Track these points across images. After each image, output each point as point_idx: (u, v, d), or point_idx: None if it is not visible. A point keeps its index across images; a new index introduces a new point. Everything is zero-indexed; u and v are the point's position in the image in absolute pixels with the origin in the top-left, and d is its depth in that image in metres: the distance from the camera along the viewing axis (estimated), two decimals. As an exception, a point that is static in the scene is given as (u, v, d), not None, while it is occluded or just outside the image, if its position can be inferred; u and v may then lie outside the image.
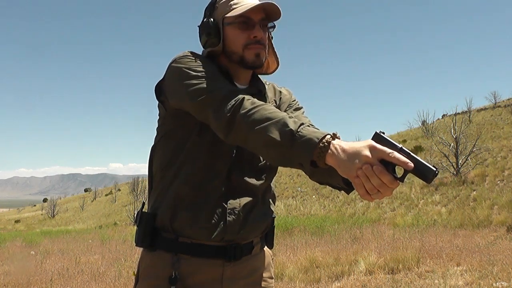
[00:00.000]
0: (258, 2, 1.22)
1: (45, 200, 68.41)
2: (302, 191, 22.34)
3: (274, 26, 1.28)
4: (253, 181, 1.25)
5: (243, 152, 1.21)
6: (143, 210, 1.26)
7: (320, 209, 17.95)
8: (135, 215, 1.28)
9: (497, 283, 4.45)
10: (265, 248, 1.37)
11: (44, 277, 5.78)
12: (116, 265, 6.85)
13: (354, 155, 0.88)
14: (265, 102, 1.28)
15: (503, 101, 37.28)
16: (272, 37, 1.31)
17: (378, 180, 0.86)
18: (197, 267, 1.20)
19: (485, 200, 12.32)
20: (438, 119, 36.57)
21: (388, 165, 0.87)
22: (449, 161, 16.73)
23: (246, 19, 1.21)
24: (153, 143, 1.32)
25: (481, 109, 36.03)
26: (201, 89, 1.11)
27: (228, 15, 1.22)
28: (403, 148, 0.88)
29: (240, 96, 1.06)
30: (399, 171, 0.88)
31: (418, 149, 23.27)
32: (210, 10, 1.27)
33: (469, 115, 29.86)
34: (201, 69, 1.16)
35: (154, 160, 1.30)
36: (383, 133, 0.91)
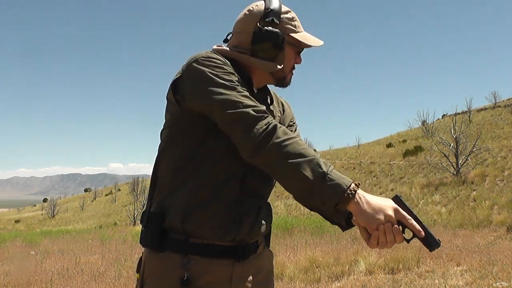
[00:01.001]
0: (319, 41, 1.32)
1: (45, 200, 68.46)
2: (302, 191, 22.32)
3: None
4: (264, 184, 1.28)
5: None
6: (151, 210, 1.23)
7: (320, 209, 17.93)
8: (141, 215, 1.26)
9: (497, 283, 4.45)
10: (267, 247, 1.39)
11: (44, 277, 5.77)
12: (116, 265, 6.85)
13: (379, 211, 1.02)
14: (269, 109, 1.33)
15: (503, 101, 37.30)
16: None
17: (393, 237, 1.01)
18: (207, 268, 1.19)
19: (485, 200, 12.33)
20: (438, 119, 36.62)
21: (402, 226, 1.02)
22: (449, 161, 16.73)
23: (302, 48, 1.31)
24: (161, 142, 1.28)
25: (481, 109, 36.05)
26: (232, 102, 1.11)
27: (294, 35, 1.27)
28: (417, 216, 1.04)
29: (272, 121, 1.09)
30: (407, 233, 1.03)
31: (418, 149, 23.29)
32: (270, 20, 1.23)
33: (469, 115, 29.88)
34: (228, 77, 1.15)
35: (163, 160, 1.26)
36: (401, 197, 1.06)
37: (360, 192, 1.03)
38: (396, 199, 1.05)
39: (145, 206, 1.32)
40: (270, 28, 1.22)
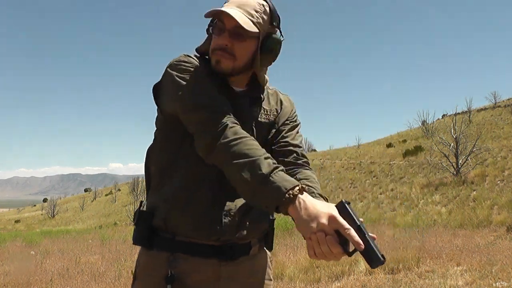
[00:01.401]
0: (223, 8, 1.17)
1: (45, 200, 68.45)
2: (302, 191, 22.32)
3: (258, 37, 1.21)
4: None
5: None
6: (141, 209, 1.27)
7: (320, 209, 17.93)
8: (134, 214, 1.30)
9: (497, 283, 4.45)
10: (264, 249, 1.36)
11: (44, 277, 5.77)
12: (116, 265, 6.85)
13: (314, 218, 0.92)
14: (261, 106, 1.30)
15: (503, 101, 37.29)
16: (270, 49, 1.24)
17: (327, 248, 0.90)
18: (194, 266, 1.21)
19: (485, 200, 12.33)
20: (438, 119, 36.61)
21: (342, 236, 0.90)
22: (449, 161, 16.74)
23: (220, 23, 1.20)
24: (151, 143, 1.33)
25: (481, 109, 36.04)
26: (190, 104, 1.14)
27: (208, 18, 1.22)
28: (361, 226, 0.90)
29: (224, 121, 1.08)
30: (352, 245, 0.91)
31: (418, 149, 23.29)
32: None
33: (469, 115, 29.89)
34: (193, 79, 1.17)
35: (151, 162, 1.32)
36: (349, 203, 0.93)
37: (301, 197, 0.95)
38: (340, 206, 0.94)
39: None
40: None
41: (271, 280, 1.36)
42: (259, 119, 1.28)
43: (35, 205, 76.18)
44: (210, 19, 1.24)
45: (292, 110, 1.39)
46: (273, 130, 1.31)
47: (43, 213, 52.74)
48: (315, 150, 45.05)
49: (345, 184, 21.86)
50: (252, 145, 1.04)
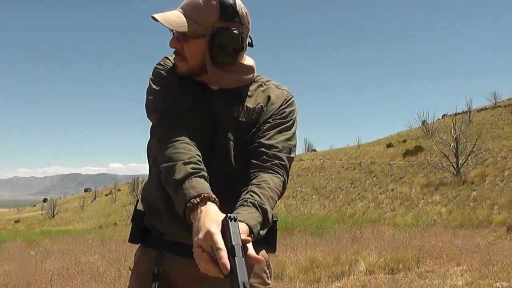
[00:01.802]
0: (154, 14, 1.16)
1: (45, 200, 68.43)
2: (302, 191, 22.35)
3: (204, 35, 1.15)
4: (225, 189, 1.14)
5: (212, 162, 1.15)
6: (137, 207, 1.31)
7: (320, 209, 17.95)
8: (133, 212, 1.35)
9: (497, 283, 4.45)
10: (262, 252, 1.28)
11: (44, 277, 5.77)
12: (116, 265, 6.85)
13: (196, 231, 0.88)
14: (243, 105, 1.21)
15: (503, 101, 37.28)
16: (221, 45, 1.15)
17: (205, 266, 0.84)
18: (181, 266, 1.21)
19: (485, 200, 12.34)
20: (438, 119, 36.58)
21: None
22: (449, 161, 16.74)
23: (171, 31, 1.19)
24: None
25: (481, 109, 36.04)
26: (149, 107, 1.20)
27: None
28: (234, 247, 0.81)
29: (171, 124, 1.12)
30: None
31: (418, 149, 23.29)
32: None
33: (469, 115, 29.89)
34: (158, 82, 1.21)
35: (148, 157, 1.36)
36: (234, 220, 0.84)
37: (202, 207, 0.91)
38: (224, 221, 0.85)
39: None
40: None
41: (267, 284, 1.27)
42: (240, 118, 1.20)
43: (35, 205, 76.20)
44: None
45: (281, 106, 1.24)
46: (254, 130, 1.21)
47: (43, 213, 52.76)
48: (315, 150, 45.04)
49: (345, 184, 21.86)
50: (179, 149, 1.05)
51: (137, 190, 33.23)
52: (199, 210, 0.92)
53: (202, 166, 1.04)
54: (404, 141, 30.01)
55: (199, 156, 1.06)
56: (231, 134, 1.19)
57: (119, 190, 59.82)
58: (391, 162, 23.11)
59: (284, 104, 1.25)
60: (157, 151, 1.11)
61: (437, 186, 15.73)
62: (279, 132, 1.20)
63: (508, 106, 32.62)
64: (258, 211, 0.99)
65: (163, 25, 1.14)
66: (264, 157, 1.14)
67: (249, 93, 1.24)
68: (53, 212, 48.91)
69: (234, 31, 1.15)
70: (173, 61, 1.25)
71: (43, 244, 12.14)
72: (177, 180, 0.99)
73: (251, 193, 1.03)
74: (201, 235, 0.86)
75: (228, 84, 1.22)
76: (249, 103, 1.23)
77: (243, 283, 0.78)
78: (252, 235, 0.93)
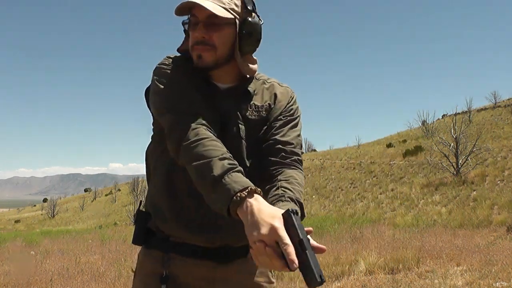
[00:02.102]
0: None
1: (45, 200, 68.42)
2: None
3: (235, 23, 1.16)
4: None
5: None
6: (140, 208, 1.28)
7: (320, 209, 17.96)
8: (135, 213, 1.31)
9: (497, 283, 4.45)
10: None
11: (44, 277, 5.77)
12: (116, 265, 6.85)
13: (255, 226, 0.86)
14: (250, 103, 1.23)
15: (503, 101, 37.28)
16: (250, 33, 1.18)
17: (267, 260, 0.84)
18: (188, 267, 1.20)
19: (485, 200, 12.33)
20: (438, 119, 36.59)
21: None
22: (449, 161, 16.74)
23: (192, 17, 1.16)
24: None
25: (481, 109, 36.04)
26: (161, 108, 1.14)
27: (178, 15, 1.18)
28: (303, 240, 0.82)
29: (189, 123, 1.07)
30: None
31: (418, 149, 23.29)
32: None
33: (469, 115, 29.88)
34: (168, 82, 1.16)
35: (147, 163, 1.32)
36: (296, 214, 0.86)
37: (250, 200, 0.89)
38: (286, 216, 0.86)
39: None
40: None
41: (272, 283, 1.31)
42: (248, 116, 1.21)
43: (35, 205, 76.21)
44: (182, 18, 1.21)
45: (288, 103, 1.27)
46: (265, 127, 1.22)
47: (43, 213, 52.75)
48: (315, 150, 45.05)
49: (345, 184, 21.86)
50: (210, 146, 1.01)
51: (137, 190, 33.22)
52: (248, 204, 0.89)
53: (236, 162, 1.01)
54: (404, 141, 30.01)
55: (229, 152, 1.03)
56: (242, 132, 1.19)
57: (119, 190, 59.81)
58: (391, 162, 23.11)
59: (291, 102, 1.28)
60: (179, 150, 1.05)
61: (437, 186, 15.73)
62: (291, 128, 1.23)
63: (508, 106, 32.62)
64: (297, 205, 1.02)
65: (205, 8, 1.10)
66: (283, 154, 1.17)
67: (255, 91, 1.25)
68: (53, 212, 48.89)
69: (258, 21, 1.20)
70: (178, 59, 1.22)
71: (43, 244, 12.13)
72: (215, 176, 0.94)
73: (283, 189, 1.05)
74: (264, 230, 0.84)
75: (249, 73, 1.25)
76: (257, 101, 1.24)
77: (320, 275, 0.80)
78: None
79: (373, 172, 22.42)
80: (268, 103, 1.25)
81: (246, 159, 1.18)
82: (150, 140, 1.32)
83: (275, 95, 1.27)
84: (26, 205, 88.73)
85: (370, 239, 8.05)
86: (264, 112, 1.23)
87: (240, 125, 1.19)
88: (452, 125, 18.02)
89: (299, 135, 1.25)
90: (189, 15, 1.17)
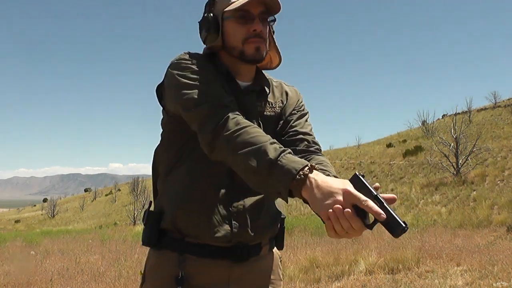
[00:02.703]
0: None
1: (45, 200, 68.40)
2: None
3: (274, 20, 1.26)
4: None
5: None
6: (150, 209, 1.26)
7: (320, 209, 17.92)
8: (143, 214, 1.28)
9: (497, 283, 4.45)
10: (274, 249, 1.34)
11: (44, 277, 5.77)
12: (116, 265, 6.85)
13: (328, 195, 0.88)
14: (266, 100, 1.29)
15: (503, 101, 37.27)
16: (273, 31, 1.29)
17: (347, 223, 0.86)
18: (204, 268, 1.19)
19: (485, 200, 12.33)
20: (438, 119, 36.58)
21: (360, 210, 0.87)
22: (449, 161, 16.73)
23: (245, 13, 1.19)
24: (157, 144, 1.33)
25: (481, 109, 36.03)
26: (190, 101, 1.12)
27: (227, 9, 1.20)
28: (379, 196, 0.88)
29: (225, 114, 1.06)
30: (370, 217, 0.89)
31: (418, 149, 23.28)
32: (210, 5, 1.26)
33: (469, 115, 29.87)
34: (194, 75, 1.15)
35: (158, 162, 1.31)
36: (363, 176, 0.91)
37: (312, 175, 0.91)
38: (355, 179, 0.91)
39: (145, 205, 1.34)
40: (206, 15, 1.25)
41: (281, 280, 1.33)
42: (265, 113, 1.27)
43: (35, 205, 76.16)
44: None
45: (298, 100, 1.36)
46: (281, 122, 1.29)
47: (43, 213, 52.71)
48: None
49: (345, 184, 21.84)
50: (255, 133, 1.01)
51: (137, 190, 33.14)
52: (312, 179, 0.90)
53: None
54: (404, 141, 30.01)
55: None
56: (261, 129, 1.21)
57: (119, 190, 59.76)
58: (391, 162, 23.11)
59: (300, 99, 1.38)
60: (216, 143, 1.04)
61: (437, 186, 15.73)
62: (306, 121, 1.34)
63: (508, 106, 32.61)
64: None
65: (269, 4, 1.20)
66: (306, 143, 1.26)
67: (269, 89, 1.32)
68: (53, 212, 48.87)
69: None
70: (198, 55, 1.23)
71: (43, 244, 12.13)
72: (272, 159, 0.94)
73: (323, 170, 1.08)
74: (339, 196, 0.87)
75: (271, 68, 1.36)
76: (270, 99, 1.31)
77: (403, 221, 0.85)
78: None
79: (373, 172, 22.43)
80: (281, 100, 1.32)
81: None
82: (161, 138, 1.31)
83: (286, 92, 1.36)
84: (26, 205, 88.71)
85: (370, 239, 8.05)
86: (277, 109, 1.30)
87: (260, 122, 1.23)
88: (452, 125, 18.01)
89: (312, 129, 1.33)
90: (237, 10, 1.20)
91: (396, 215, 0.86)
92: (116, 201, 49.66)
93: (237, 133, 1.01)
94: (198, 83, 1.14)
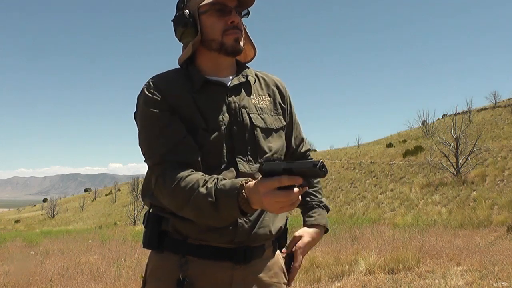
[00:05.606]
0: None
1: (45, 200, 68.45)
2: (302, 191, 22.31)
3: (248, 13, 1.28)
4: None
5: (246, 149, 1.22)
6: (150, 211, 1.24)
7: (320, 209, 17.91)
8: (144, 216, 1.26)
9: (498, 283, 4.45)
10: (278, 252, 1.32)
11: (44, 277, 5.78)
12: (116, 265, 6.85)
13: (257, 191, 0.94)
14: (250, 92, 1.29)
15: (503, 101, 37.31)
16: (245, 26, 1.30)
17: (282, 198, 0.91)
18: (206, 270, 1.17)
19: (485, 200, 12.33)
20: (438, 119, 36.60)
21: (283, 187, 0.90)
22: (449, 161, 16.73)
23: (222, 6, 1.21)
24: None
25: (481, 109, 36.06)
26: (142, 148, 1.21)
27: (203, 3, 1.21)
28: (285, 165, 0.90)
29: (162, 171, 1.12)
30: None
31: (418, 149, 23.28)
32: (182, 3, 1.26)
33: (469, 115, 29.90)
34: (149, 123, 1.19)
35: None
36: (263, 163, 0.95)
37: (247, 187, 0.98)
38: (261, 168, 0.94)
39: (145, 206, 1.34)
40: (182, 12, 1.25)
41: (285, 283, 1.31)
42: (257, 105, 1.28)
43: (35, 205, 76.22)
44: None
45: (285, 91, 1.39)
46: (274, 112, 1.33)
47: (43, 213, 52.75)
48: (315, 150, 45.02)
49: (345, 184, 21.86)
50: (187, 182, 1.07)
51: (137, 190, 33.17)
52: (246, 191, 0.97)
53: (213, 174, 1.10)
54: (404, 141, 30.02)
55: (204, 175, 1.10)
56: (254, 121, 1.25)
57: (119, 190, 59.80)
58: (391, 162, 23.11)
59: (286, 89, 1.41)
60: (163, 196, 1.13)
61: (437, 186, 15.73)
62: (295, 121, 1.42)
63: (508, 106, 32.63)
64: (324, 209, 1.51)
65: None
66: (298, 155, 1.45)
67: (254, 80, 1.34)
68: (53, 212, 48.90)
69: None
70: (164, 83, 1.23)
71: (43, 244, 12.13)
72: (213, 201, 1.01)
73: (311, 196, 1.45)
74: (262, 188, 0.92)
75: (247, 59, 1.38)
76: (259, 88, 1.33)
77: (314, 163, 0.86)
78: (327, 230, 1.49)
79: (373, 172, 22.43)
80: (268, 93, 1.34)
81: (264, 146, 1.25)
82: None
83: (273, 81, 1.38)
84: (26, 205, 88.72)
85: (370, 239, 8.05)
86: (269, 98, 1.33)
87: (251, 114, 1.24)
88: (452, 125, 18.01)
89: (298, 125, 1.45)
90: (212, 3, 1.21)
91: (305, 162, 0.89)
92: (116, 201, 49.69)
93: (174, 188, 1.08)
94: (150, 134, 1.19)
